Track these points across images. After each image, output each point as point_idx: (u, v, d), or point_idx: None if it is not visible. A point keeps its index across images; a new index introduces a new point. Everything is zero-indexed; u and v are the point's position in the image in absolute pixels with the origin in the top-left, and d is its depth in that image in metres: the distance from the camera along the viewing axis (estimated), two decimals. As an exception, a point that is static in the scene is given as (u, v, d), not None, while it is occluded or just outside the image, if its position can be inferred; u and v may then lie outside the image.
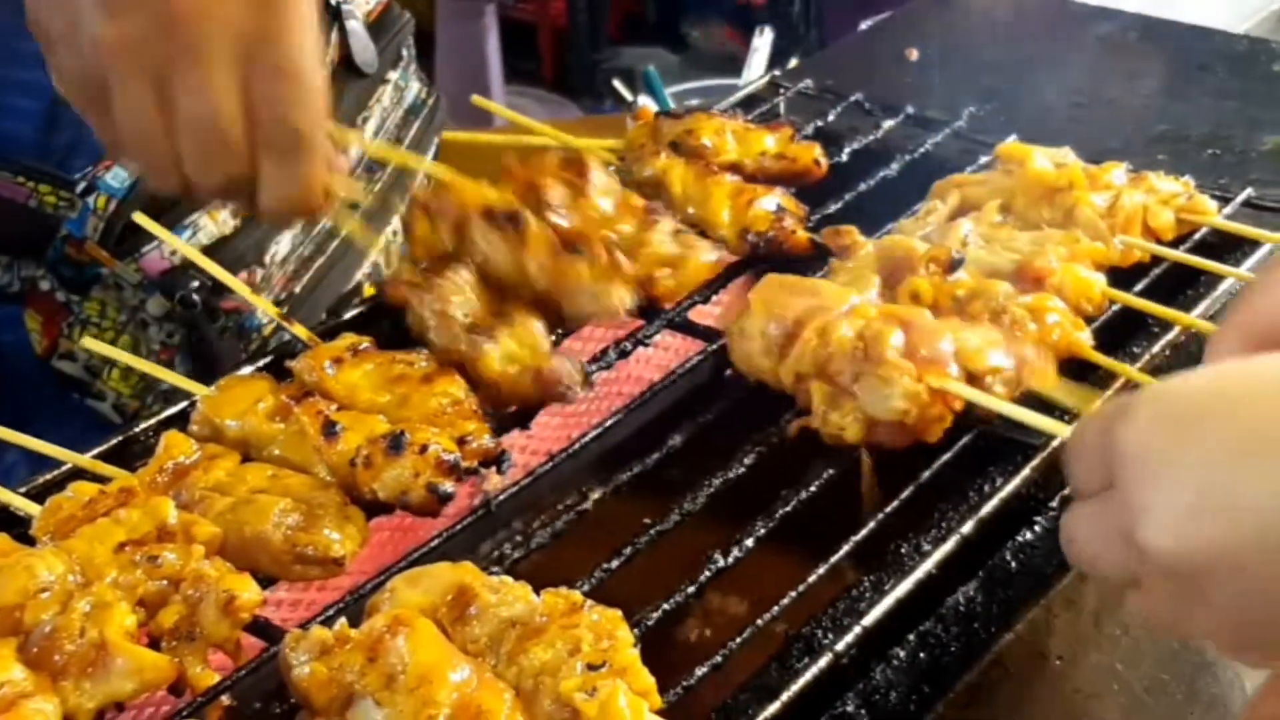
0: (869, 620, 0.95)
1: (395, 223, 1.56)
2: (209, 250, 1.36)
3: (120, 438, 1.08)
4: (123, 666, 0.87)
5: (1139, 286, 1.21)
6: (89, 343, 1.12)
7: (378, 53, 1.51)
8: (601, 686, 0.81)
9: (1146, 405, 0.65)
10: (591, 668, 0.83)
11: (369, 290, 1.53)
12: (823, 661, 0.92)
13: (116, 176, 1.33)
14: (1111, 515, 0.66)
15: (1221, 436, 0.62)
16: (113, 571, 0.92)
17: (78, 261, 1.33)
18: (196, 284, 1.35)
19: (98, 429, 1.04)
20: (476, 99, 1.37)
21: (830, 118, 1.46)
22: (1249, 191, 1.32)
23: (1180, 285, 1.24)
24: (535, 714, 0.82)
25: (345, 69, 1.48)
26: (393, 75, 1.55)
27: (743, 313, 1.12)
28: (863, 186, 1.35)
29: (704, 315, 1.25)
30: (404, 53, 1.58)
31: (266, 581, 0.96)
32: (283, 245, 1.43)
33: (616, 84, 1.48)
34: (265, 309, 1.13)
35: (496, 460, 1.05)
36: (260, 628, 0.94)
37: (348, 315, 1.22)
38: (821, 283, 1.13)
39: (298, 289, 1.46)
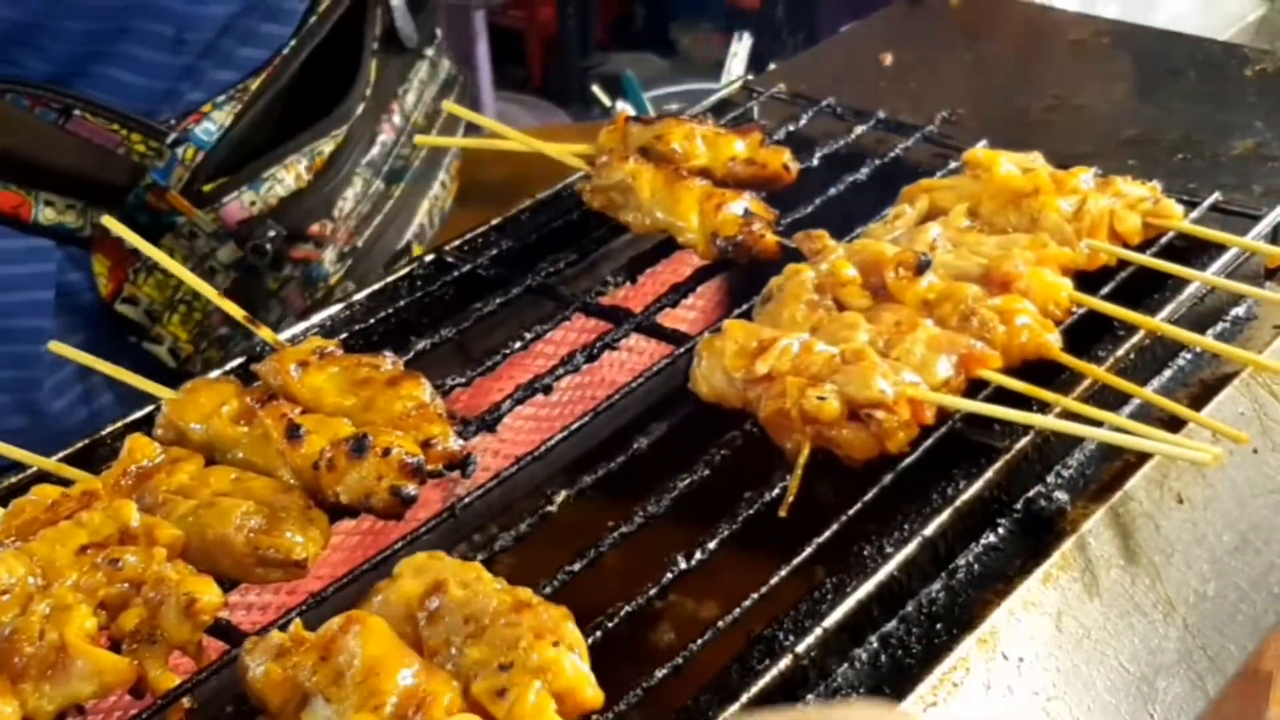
0: (830, 621, 0.95)
1: (436, 187, 1.66)
2: (285, 203, 1.45)
3: (85, 441, 1.08)
4: (82, 669, 0.87)
5: (1105, 290, 1.21)
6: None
7: (416, 29, 1.59)
8: (513, 686, 0.81)
9: None
10: (503, 668, 0.83)
11: (418, 249, 1.62)
12: (784, 663, 0.92)
13: (206, 130, 1.41)
14: None
15: None
16: (74, 574, 0.92)
17: (155, 209, 1.40)
18: (273, 233, 1.44)
19: (153, 373, 1.09)
20: (448, 105, 1.38)
21: (802, 122, 1.46)
22: (1216, 196, 1.33)
23: (1147, 288, 1.25)
24: (469, 708, 0.82)
25: (387, 43, 1.56)
26: (429, 52, 1.64)
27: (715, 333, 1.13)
28: (833, 191, 1.35)
29: (674, 319, 1.25)
30: (437, 32, 1.67)
31: (229, 584, 0.96)
32: (348, 201, 1.52)
33: (595, 89, 1.49)
34: (233, 312, 1.13)
35: (461, 463, 1.05)
36: (223, 630, 0.95)
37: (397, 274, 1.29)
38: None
39: (359, 243, 1.55)
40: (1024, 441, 1.08)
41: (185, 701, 0.91)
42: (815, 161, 1.40)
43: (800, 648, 0.93)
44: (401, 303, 1.24)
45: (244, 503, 0.98)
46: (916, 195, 1.29)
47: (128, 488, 1.00)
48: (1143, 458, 1.12)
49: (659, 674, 0.90)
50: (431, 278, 1.27)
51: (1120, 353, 1.16)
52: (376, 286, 1.25)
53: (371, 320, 1.22)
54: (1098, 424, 1.07)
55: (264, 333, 1.12)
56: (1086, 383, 1.12)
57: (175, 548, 0.95)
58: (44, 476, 1.03)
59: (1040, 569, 1.04)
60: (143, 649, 0.91)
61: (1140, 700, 1.03)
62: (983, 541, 1.06)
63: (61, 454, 1.06)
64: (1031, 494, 1.09)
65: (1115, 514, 1.09)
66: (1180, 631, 1.08)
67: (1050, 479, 1.11)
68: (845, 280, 1.17)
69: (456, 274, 1.27)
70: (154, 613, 0.91)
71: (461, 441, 1.06)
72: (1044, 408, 1.09)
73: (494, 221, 1.34)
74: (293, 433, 1.02)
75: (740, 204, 1.25)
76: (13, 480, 1.04)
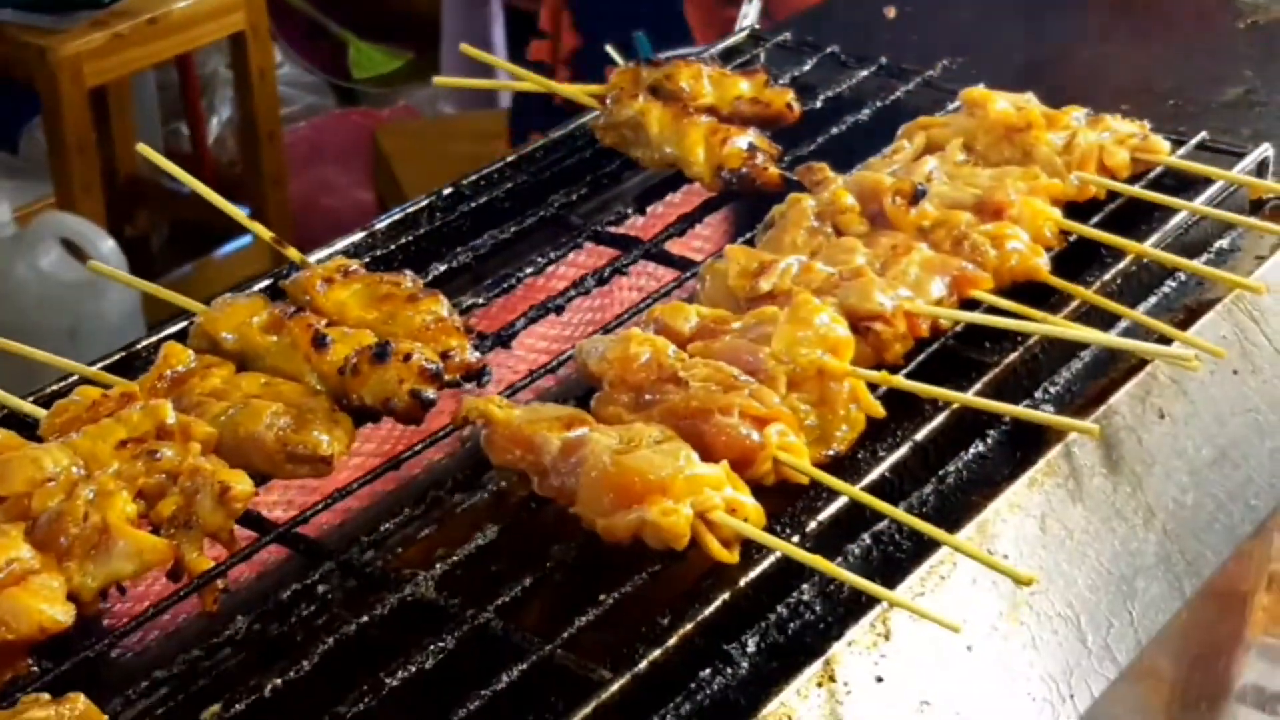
0: (824, 516, 1.01)
1: None
2: None
3: (121, 352, 1.14)
4: (124, 549, 0.93)
5: (1095, 220, 1.26)
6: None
7: None
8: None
9: None
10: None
11: None
12: (779, 553, 0.98)
13: None
14: None
15: None
16: (114, 464, 0.98)
17: None
18: None
19: None
20: (465, 48, 1.44)
21: (806, 68, 1.52)
22: (1203, 134, 1.38)
23: (1134, 221, 1.30)
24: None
25: None
26: None
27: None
28: (834, 130, 1.41)
29: (681, 248, 1.30)
30: None
31: (259, 481, 1.02)
32: None
33: (609, 49, 1.54)
34: (259, 232, 1.20)
35: (477, 374, 1.11)
36: (254, 521, 1.01)
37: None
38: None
39: None
40: (1013, 356, 1.14)
41: (220, 583, 0.97)
42: (818, 103, 1.45)
43: (795, 539, 0.99)
44: (421, 230, 1.30)
45: (274, 404, 1.04)
46: (914, 132, 1.35)
47: (163, 390, 1.06)
48: (1127, 375, 1.17)
49: (661, 564, 0.96)
50: (449, 208, 1.33)
51: (1107, 276, 1.21)
52: (396, 216, 1.31)
53: (392, 246, 1.28)
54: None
55: (290, 252, 1.18)
56: (1075, 303, 1.18)
57: (209, 444, 1.01)
58: (83, 384, 1.09)
59: (1026, 474, 1.09)
60: (179, 534, 0.97)
61: (1120, 597, 1.09)
62: (972, 450, 1.12)
63: (100, 363, 1.12)
64: (1019, 407, 1.14)
65: (1099, 426, 1.14)
66: (1159, 536, 1.13)
67: (1038, 394, 1.16)
68: (844, 208, 1.23)
69: (473, 205, 1.33)
70: (190, 501, 0.97)
71: (478, 354, 1.12)
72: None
73: (509, 158, 1.39)
74: (319, 341, 1.08)
75: (745, 139, 1.31)
76: (55, 387, 1.10)
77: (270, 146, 3.78)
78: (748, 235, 1.26)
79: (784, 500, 1.03)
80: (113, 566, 0.93)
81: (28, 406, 1.06)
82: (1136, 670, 1.11)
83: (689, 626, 0.93)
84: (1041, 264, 1.19)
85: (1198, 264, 1.24)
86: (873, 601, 0.99)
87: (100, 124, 3.62)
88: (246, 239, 3.74)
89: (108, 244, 3.34)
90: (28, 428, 1.05)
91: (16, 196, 3.73)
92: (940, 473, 1.09)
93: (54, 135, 3.33)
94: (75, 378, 1.10)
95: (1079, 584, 1.07)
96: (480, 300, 1.20)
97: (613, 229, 1.30)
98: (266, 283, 1.20)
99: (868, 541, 1.04)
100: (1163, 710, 1.41)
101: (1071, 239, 1.24)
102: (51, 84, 3.23)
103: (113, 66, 3.36)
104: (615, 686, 0.87)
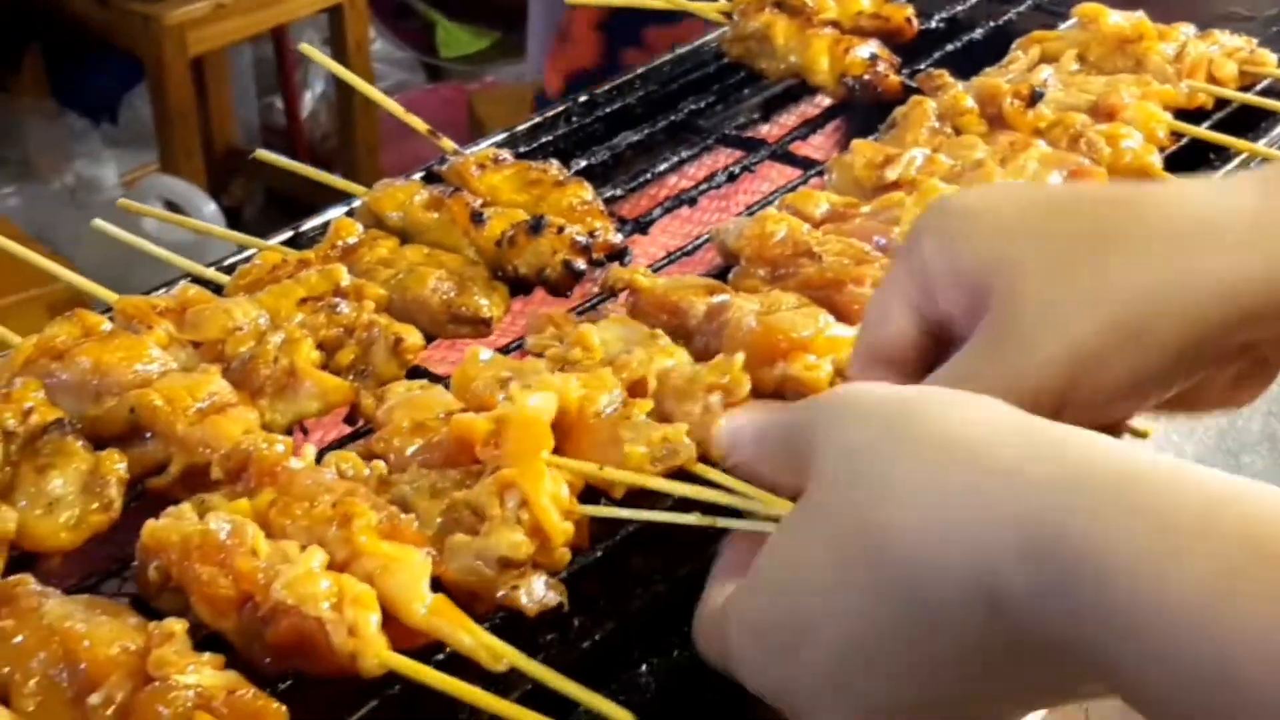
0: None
1: None
2: None
3: (290, 231, 1.23)
4: (310, 389, 1.02)
5: (1205, 125, 1.32)
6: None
7: None
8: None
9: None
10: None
11: None
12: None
13: None
14: None
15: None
16: (297, 317, 1.06)
17: None
18: None
19: None
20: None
21: (919, -7, 1.58)
22: (1310, 50, 1.43)
23: (1240, 132, 1.35)
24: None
25: None
26: None
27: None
28: (950, 47, 1.47)
29: (804, 150, 1.38)
30: None
31: (425, 340, 1.10)
32: None
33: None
34: (415, 125, 1.28)
35: (620, 254, 1.19)
36: (420, 374, 1.09)
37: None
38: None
39: None
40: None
41: (392, 426, 1.05)
42: (932, 24, 1.52)
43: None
44: (559, 131, 1.38)
45: (438, 269, 1.12)
46: (1029, 45, 1.41)
47: (335, 258, 1.14)
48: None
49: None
50: (585, 114, 1.41)
51: (1218, 176, 1.27)
52: (535, 120, 1.39)
53: (533, 145, 1.36)
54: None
55: (445, 143, 1.27)
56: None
57: (380, 305, 1.10)
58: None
59: (1140, 351, 1.15)
60: (357, 381, 1.05)
61: (1227, 470, 1.14)
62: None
63: (276, 239, 1.21)
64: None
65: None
66: (1264, 416, 1.19)
67: (1150, 282, 1.22)
68: (963, 110, 1.29)
69: (606, 110, 1.41)
70: (366, 351, 1.06)
71: (620, 236, 1.19)
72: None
73: (639, 70, 1.47)
74: (477, 217, 1.16)
75: (867, 48, 1.38)
76: (235, 258, 1.19)
77: (365, 118, 3.88)
78: (869, 139, 1.33)
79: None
80: (300, 405, 1.02)
81: (210, 273, 1.15)
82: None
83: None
84: (1154, 161, 1.25)
85: (1307, 163, 1.29)
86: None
87: (198, 97, 3.73)
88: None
89: (210, 206, 3.45)
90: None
91: (119, 164, 3.86)
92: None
93: (158, 102, 3.44)
94: (252, 250, 1.19)
95: (1188, 454, 1.13)
96: (618, 192, 1.28)
97: (740, 134, 1.37)
98: (420, 175, 1.29)
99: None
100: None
101: (1183, 141, 1.30)
102: (156, 51, 3.34)
103: (214, 35, 3.46)
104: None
